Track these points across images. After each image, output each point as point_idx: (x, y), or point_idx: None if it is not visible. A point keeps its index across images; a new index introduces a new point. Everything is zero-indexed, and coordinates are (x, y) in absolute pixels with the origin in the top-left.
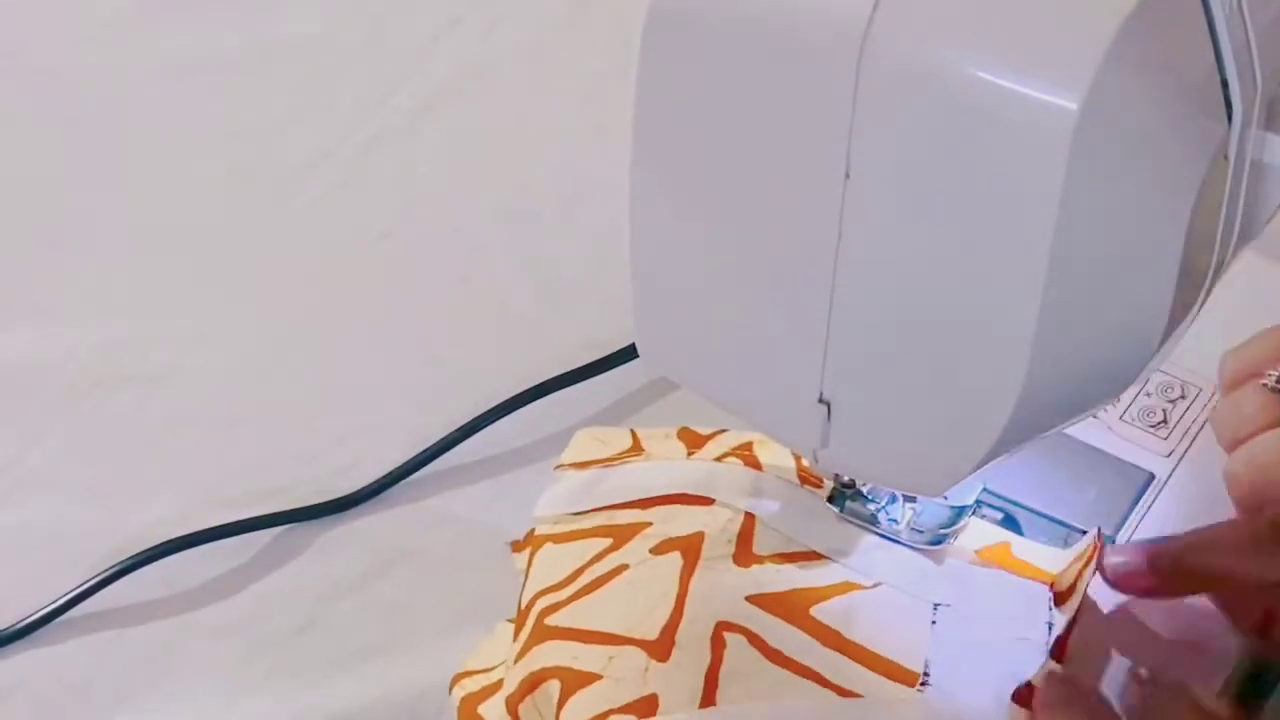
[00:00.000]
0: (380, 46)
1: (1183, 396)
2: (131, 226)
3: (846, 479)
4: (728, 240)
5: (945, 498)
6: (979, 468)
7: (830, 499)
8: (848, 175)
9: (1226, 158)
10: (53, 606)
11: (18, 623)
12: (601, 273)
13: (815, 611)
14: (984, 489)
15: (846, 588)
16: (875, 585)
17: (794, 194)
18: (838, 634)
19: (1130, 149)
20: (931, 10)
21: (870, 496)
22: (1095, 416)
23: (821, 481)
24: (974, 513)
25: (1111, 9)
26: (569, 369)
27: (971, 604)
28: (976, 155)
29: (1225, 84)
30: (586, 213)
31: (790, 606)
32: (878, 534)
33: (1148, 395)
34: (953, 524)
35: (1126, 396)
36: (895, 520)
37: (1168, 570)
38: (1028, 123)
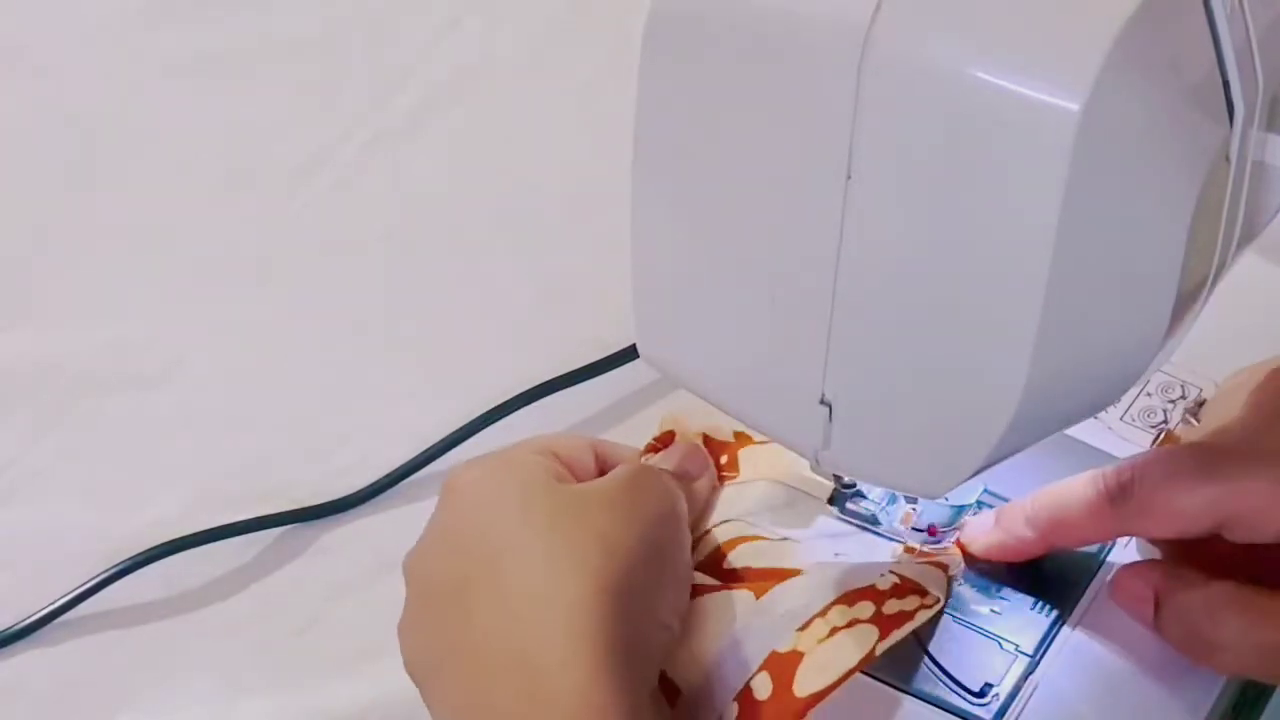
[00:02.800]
0: (380, 46)
1: (1183, 396)
2: (132, 226)
3: (847, 480)
4: (729, 241)
5: (946, 498)
6: (980, 470)
7: (830, 499)
8: (849, 176)
9: (1228, 159)
10: (53, 606)
11: (18, 623)
12: (601, 273)
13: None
14: (984, 489)
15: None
16: (783, 539)
17: (795, 195)
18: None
19: (1132, 150)
20: (933, 11)
21: (870, 497)
22: (1095, 417)
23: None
24: (974, 513)
25: (1113, 10)
26: (569, 369)
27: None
28: (978, 156)
29: (1227, 84)
30: (587, 213)
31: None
32: (878, 534)
33: (1148, 395)
34: (953, 524)
35: (1126, 396)
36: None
37: (1011, 526)
38: (1030, 124)
